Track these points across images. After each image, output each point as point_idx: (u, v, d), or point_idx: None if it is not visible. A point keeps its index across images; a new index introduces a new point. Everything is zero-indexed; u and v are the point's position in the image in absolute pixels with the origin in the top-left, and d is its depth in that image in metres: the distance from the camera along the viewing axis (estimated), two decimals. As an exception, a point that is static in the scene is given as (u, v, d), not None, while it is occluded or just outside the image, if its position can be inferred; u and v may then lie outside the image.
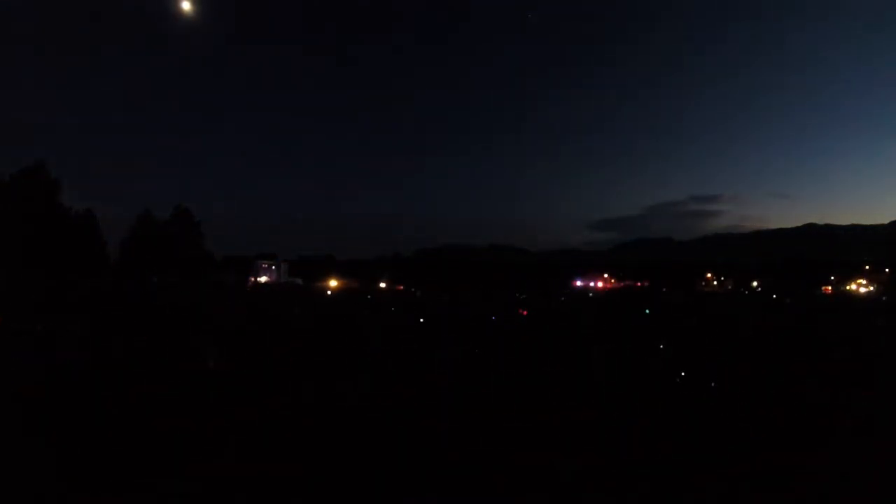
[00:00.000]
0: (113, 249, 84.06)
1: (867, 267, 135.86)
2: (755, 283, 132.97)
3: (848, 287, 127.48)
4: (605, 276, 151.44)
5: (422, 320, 33.42)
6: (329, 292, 77.17)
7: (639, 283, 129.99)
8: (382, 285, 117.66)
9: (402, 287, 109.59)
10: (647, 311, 44.30)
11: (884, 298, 75.03)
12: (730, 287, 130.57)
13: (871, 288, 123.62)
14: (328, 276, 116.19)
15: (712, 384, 13.62)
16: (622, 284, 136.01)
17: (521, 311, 41.33)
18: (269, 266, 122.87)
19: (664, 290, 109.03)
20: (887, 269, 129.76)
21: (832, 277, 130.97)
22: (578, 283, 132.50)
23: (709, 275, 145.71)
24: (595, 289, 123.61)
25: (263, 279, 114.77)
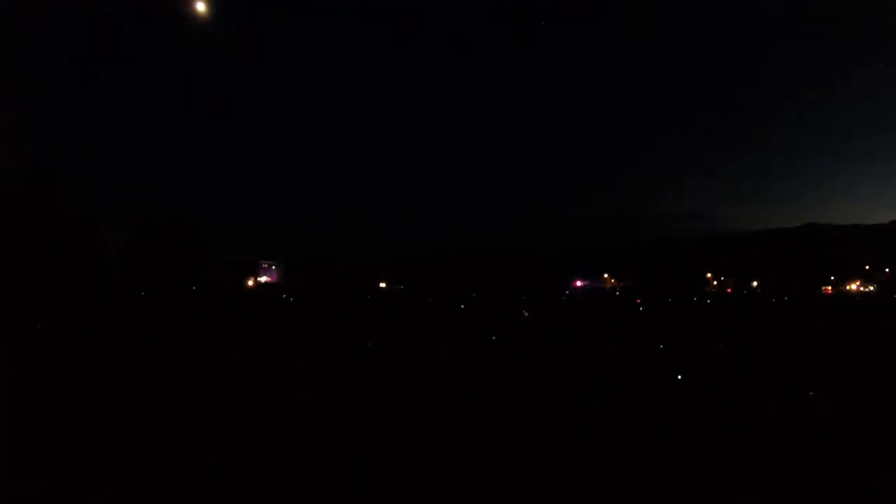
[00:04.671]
0: (113, 251, 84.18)
1: (867, 267, 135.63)
2: (755, 283, 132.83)
3: (848, 287, 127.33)
4: (606, 275, 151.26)
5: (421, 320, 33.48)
6: (329, 292, 77.15)
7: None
8: (382, 285, 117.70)
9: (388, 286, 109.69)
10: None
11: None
12: (728, 289, 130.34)
13: (871, 288, 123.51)
14: (328, 276, 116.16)
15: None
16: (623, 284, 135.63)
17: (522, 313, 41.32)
18: (270, 266, 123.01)
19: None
20: (887, 269, 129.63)
21: (832, 277, 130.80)
22: (579, 283, 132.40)
23: (709, 275, 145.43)
24: (602, 289, 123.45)
25: (264, 279, 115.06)
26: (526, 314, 39.54)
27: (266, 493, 7.17)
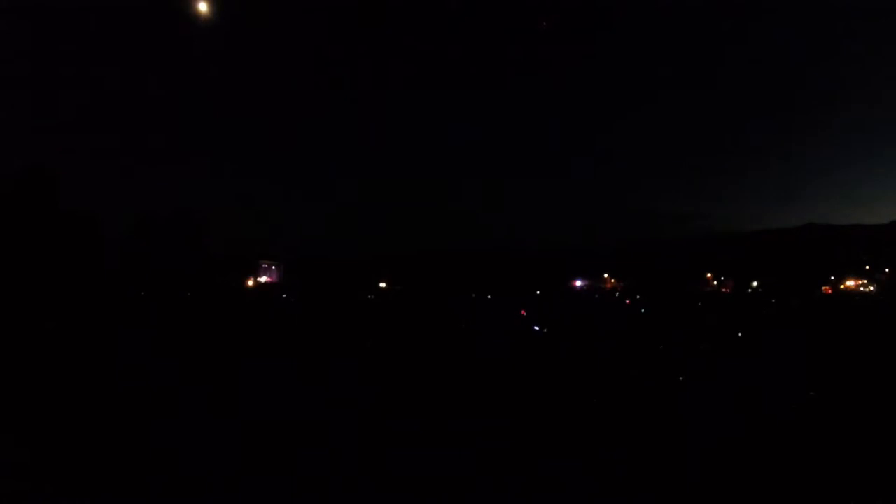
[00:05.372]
0: (112, 248, 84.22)
1: (867, 267, 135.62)
2: (755, 283, 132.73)
3: (848, 286, 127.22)
4: (606, 275, 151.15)
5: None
6: (329, 292, 77.20)
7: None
8: (382, 285, 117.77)
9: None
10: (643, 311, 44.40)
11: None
12: (726, 289, 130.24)
13: (871, 288, 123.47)
14: (328, 276, 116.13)
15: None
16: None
17: (521, 311, 41.28)
18: (270, 266, 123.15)
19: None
20: (887, 269, 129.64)
21: (832, 277, 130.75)
22: (579, 283, 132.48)
23: (709, 275, 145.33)
24: (602, 289, 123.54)
25: (264, 279, 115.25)
26: (525, 313, 39.53)
27: (264, 489, 7.16)
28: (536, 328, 29.47)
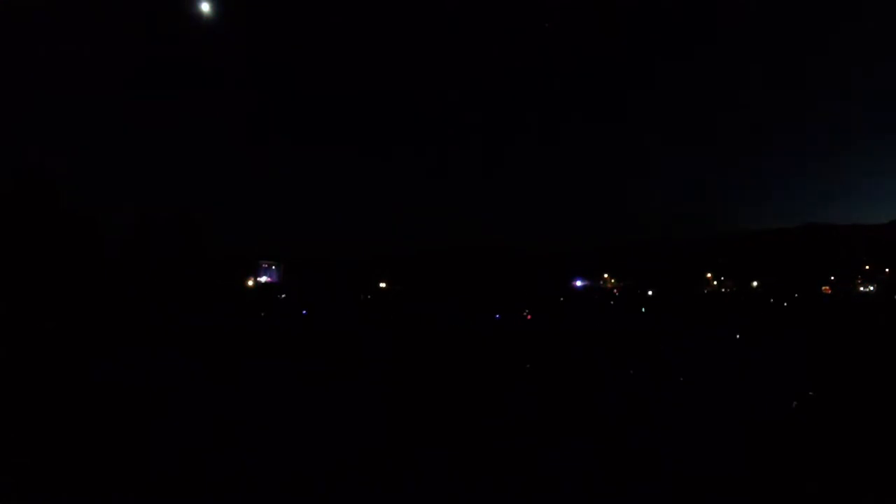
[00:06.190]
0: (112, 248, 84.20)
1: (867, 267, 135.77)
2: (755, 283, 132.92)
3: (848, 286, 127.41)
4: (605, 275, 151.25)
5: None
6: (329, 292, 77.24)
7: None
8: (382, 285, 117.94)
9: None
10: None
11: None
12: (724, 289, 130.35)
13: (871, 288, 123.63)
14: (328, 276, 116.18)
15: None
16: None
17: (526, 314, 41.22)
18: (270, 266, 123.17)
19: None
20: (887, 269, 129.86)
21: (832, 277, 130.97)
22: (579, 283, 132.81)
23: (709, 275, 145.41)
24: (602, 289, 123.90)
25: (264, 279, 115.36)
26: (528, 314, 39.55)
27: (264, 489, 7.18)
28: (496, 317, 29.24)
